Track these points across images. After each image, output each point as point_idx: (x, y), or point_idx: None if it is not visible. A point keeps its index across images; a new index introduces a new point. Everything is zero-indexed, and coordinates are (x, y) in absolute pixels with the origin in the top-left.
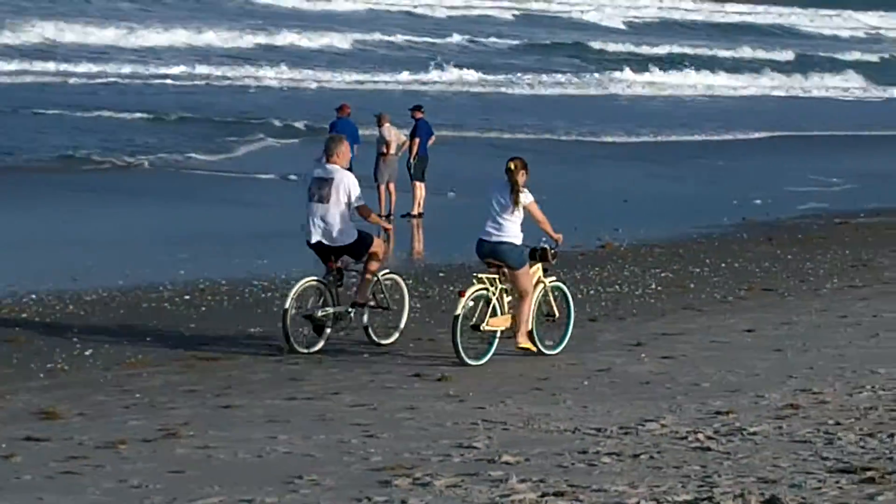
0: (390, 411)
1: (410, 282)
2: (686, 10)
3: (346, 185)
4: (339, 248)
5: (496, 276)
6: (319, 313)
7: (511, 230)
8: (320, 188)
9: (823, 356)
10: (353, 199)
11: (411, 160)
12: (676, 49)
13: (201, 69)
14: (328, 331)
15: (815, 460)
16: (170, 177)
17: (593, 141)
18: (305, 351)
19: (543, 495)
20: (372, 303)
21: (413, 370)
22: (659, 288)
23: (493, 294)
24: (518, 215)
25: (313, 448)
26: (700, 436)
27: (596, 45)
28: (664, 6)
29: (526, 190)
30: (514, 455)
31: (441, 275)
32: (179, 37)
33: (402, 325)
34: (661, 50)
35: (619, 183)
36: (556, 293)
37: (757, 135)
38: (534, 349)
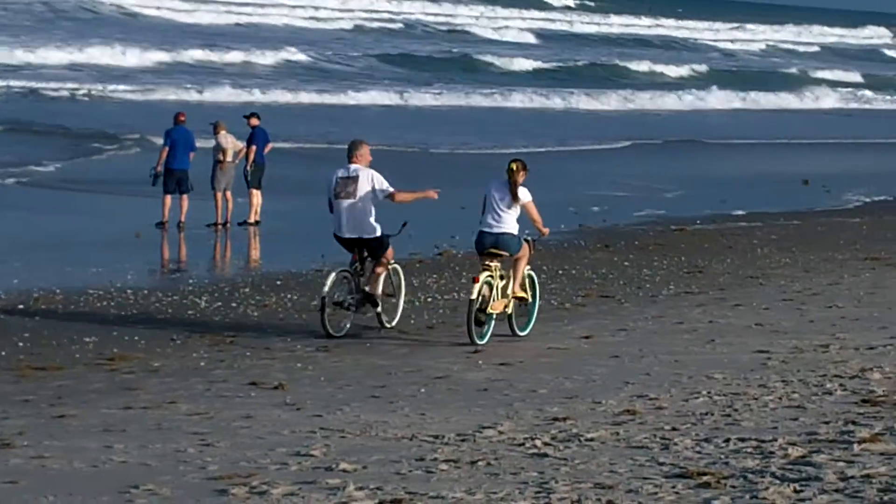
0: (227, 420)
1: (247, 290)
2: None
3: (373, 179)
4: (365, 242)
5: (497, 265)
6: (348, 300)
7: (510, 222)
8: (347, 186)
9: (660, 362)
10: (384, 187)
11: (248, 168)
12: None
13: (41, 83)
14: (352, 316)
15: (652, 465)
16: (2, 186)
17: (431, 151)
18: (337, 335)
19: (381, 502)
20: (387, 291)
21: (249, 378)
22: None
23: (495, 280)
24: (516, 210)
25: (149, 457)
26: (537, 442)
27: (486, 58)
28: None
29: (525, 189)
30: (352, 463)
31: (278, 283)
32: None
33: (400, 306)
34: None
35: (457, 190)
36: (528, 280)
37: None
38: (527, 297)
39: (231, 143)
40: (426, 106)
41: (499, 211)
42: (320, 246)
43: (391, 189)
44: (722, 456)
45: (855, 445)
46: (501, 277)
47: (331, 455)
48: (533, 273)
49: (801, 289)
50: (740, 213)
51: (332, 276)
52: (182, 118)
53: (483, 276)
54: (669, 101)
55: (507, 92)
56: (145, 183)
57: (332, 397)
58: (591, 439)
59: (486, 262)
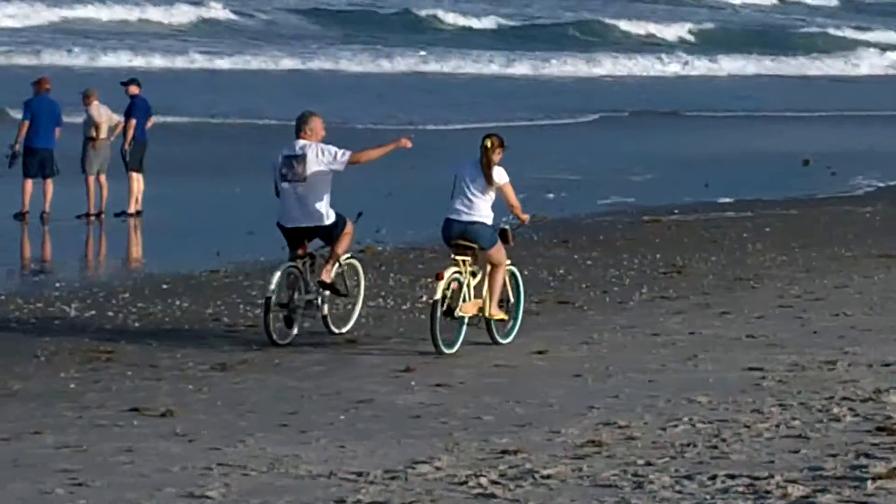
0: (103, 454)
1: (127, 295)
2: None
3: (322, 153)
4: (315, 232)
5: (466, 259)
6: (296, 301)
7: (482, 209)
8: (292, 166)
9: (631, 382)
10: (339, 157)
11: (126, 146)
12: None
13: None
14: (300, 320)
15: None
16: None
17: (357, 127)
18: (282, 342)
19: None
20: (341, 290)
21: (130, 403)
22: (431, 300)
23: (464, 278)
24: (490, 195)
25: (9, 501)
26: (483, 480)
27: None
28: None
29: (501, 169)
30: None
31: (165, 287)
32: None
33: (356, 312)
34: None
35: (383, 175)
36: (510, 277)
37: (577, 118)
38: (506, 318)
39: (105, 117)
40: (354, 72)
41: (470, 195)
42: (216, 241)
43: (348, 153)
44: (707, 496)
45: (868, 483)
46: (473, 274)
47: (231, 496)
48: (515, 268)
49: (801, 293)
50: (727, 200)
51: (278, 273)
52: (46, 86)
53: (449, 273)
54: (652, 66)
55: (454, 55)
56: (0, 165)
57: (232, 426)
58: (548, 476)
59: (455, 256)
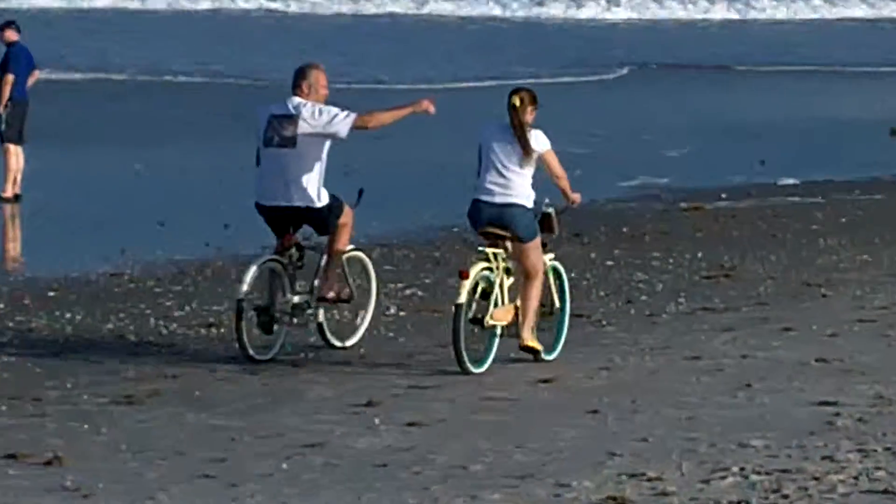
0: None
1: (2, 306)
2: None
3: (320, 115)
4: (303, 214)
5: (499, 252)
6: (278, 305)
7: (520, 188)
8: (281, 128)
9: (664, 421)
10: (344, 120)
11: (1, 109)
12: None
13: None
14: (285, 328)
15: None
16: None
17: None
18: (262, 358)
19: None
20: (343, 295)
21: (5, 448)
22: (402, 313)
23: (496, 276)
24: (529, 168)
25: None
26: None
27: None
28: None
29: (540, 133)
30: None
31: (52, 294)
32: None
33: (366, 320)
34: None
35: (339, 147)
36: (553, 275)
37: (602, 76)
38: (540, 349)
39: None
40: (294, 13)
41: (502, 170)
42: (118, 234)
43: (353, 115)
44: None
45: None
46: (508, 271)
47: None
48: (558, 263)
49: (887, 303)
50: (790, 182)
51: (253, 269)
52: None
53: (477, 269)
54: (697, 10)
55: None
56: None
57: (139, 477)
58: None
59: (485, 248)
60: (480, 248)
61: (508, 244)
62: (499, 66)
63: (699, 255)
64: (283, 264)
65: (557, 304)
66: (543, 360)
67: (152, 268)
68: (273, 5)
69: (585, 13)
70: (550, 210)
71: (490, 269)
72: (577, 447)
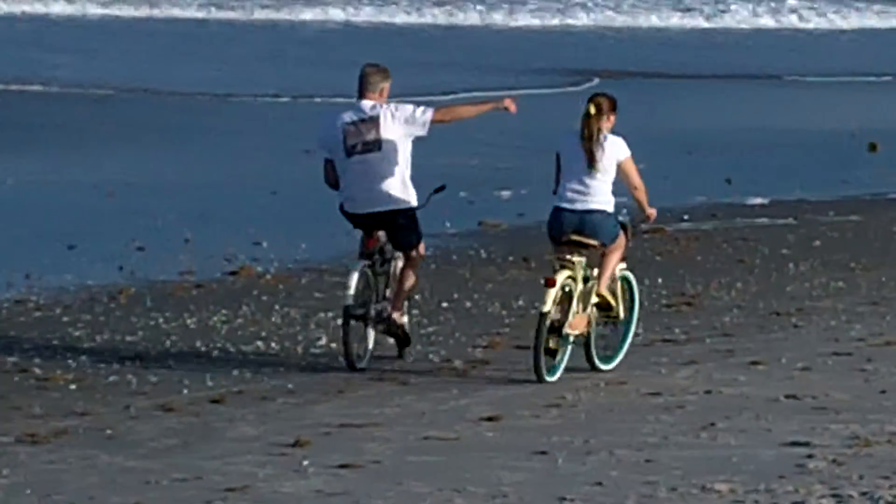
0: None
1: None
2: None
3: (396, 114)
4: (392, 218)
5: (581, 260)
6: (373, 311)
7: (601, 194)
8: (362, 133)
9: (620, 463)
10: (417, 117)
11: None
12: None
13: None
14: (373, 334)
15: None
16: None
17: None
18: (363, 367)
19: None
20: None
21: None
22: (334, 344)
23: (576, 285)
24: (610, 174)
25: None
26: None
27: None
28: None
29: (619, 140)
30: None
31: None
32: None
33: (371, 342)
34: None
35: (266, 163)
36: (624, 285)
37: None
38: (613, 302)
39: None
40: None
41: (583, 176)
42: (24, 258)
43: (430, 110)
44: None
45: None
46: (586, 280)
47: None
48: (630, 274)
49: (864, 335)
50: (759, 201)
51: (355, 275)
52: None
53: (562, 277)
54: (666, 18)
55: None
56: None
57: None
58: None
59: (566, 257)
60: (563, 256)
61: (588, 253)
62: (446, 74)
63: (659, 281)
64: (374, 270)
65: (622, 315)
66: (599, 370)
67: (61, 294)
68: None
69: (554, 21)
70: (626, 220)
71: (573, 277)
72: (524, 492)
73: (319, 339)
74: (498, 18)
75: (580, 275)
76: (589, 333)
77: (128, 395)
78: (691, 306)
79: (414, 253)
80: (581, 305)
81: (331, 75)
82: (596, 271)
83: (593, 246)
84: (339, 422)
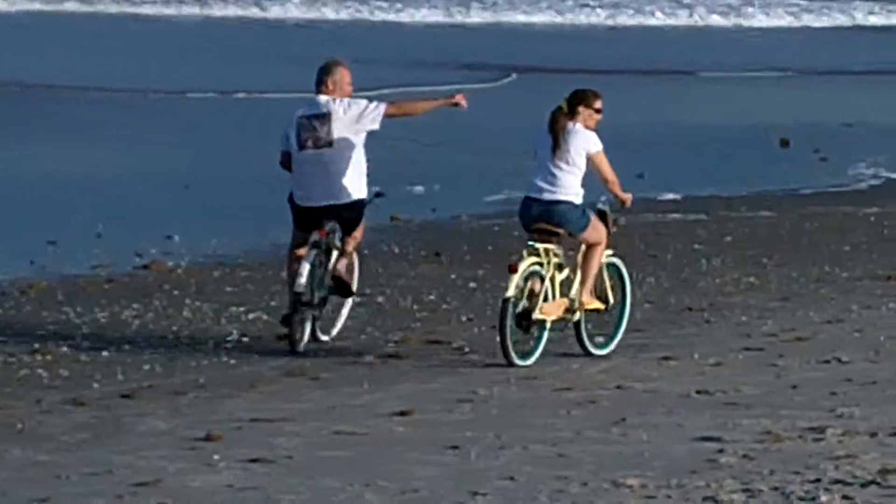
0: None
1: None
2: None
3: (350, 109)
4: (342, 211)
5: (550, 248)
6: (318, 296)
7: (569, 186)
8: (314, 128)
9: (533, 458)
10: (369, 111)
11: None
12: None
13: None
14: (316, 322)
15: None
16: None
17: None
18: (302, 351)
19: None
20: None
21: None
22: (244, 339)
23: (547, 271)
24: (579, 168)
25: None
26: None
27: None
28: None
29: (591, 134)
30: None
31: None
32: None
33: (345, 312)
34: None
35: (177, 158)
36: (611, 271)
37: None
38: (602, 308)
39: None
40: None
41: (552, 168)
42: None
43: (383, 105)
44: None
45: None
46: (560, 267)
47: None
48: (619, 260)
49: (776, 330)
50: (671, 196)
51: (307, 264)
52: None
53: (525, 264)
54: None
55: None
56: None
57: None
58: None
59: (535, 244)
60: (531, 244)
61: (558, 241)
62: (382, 73)
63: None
64: (320, 260)
65: (612, 300)
66: (593, 355)
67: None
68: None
69: (475, 18)
70: (606, 208)
71: (540, 263)
72: (436, 486)
73: (231, 333)
74: (408, 15)
75: (552, 262)
76: (578, 320)
77: (39, 390)
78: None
79: (356, 233)
80: (555, 291)
81: (241, 71)
82: (579, 268)
83: (558, 234)
84: (250, 416)
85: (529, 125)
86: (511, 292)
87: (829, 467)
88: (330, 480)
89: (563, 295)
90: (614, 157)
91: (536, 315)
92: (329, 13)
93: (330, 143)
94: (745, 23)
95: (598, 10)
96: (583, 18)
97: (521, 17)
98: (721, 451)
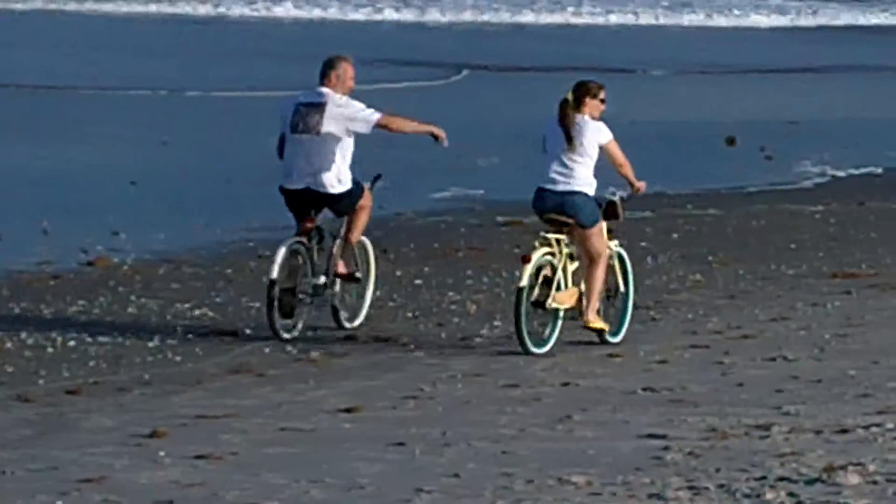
0: None
1: None
2: None
3: (345, 107)
4: (325, 199)
5: (561, 238)
6: (301, 286)
7: (582, 176)
8: (307, 116)
9: (477, 454)
10: (366, 116)
11: None
12: None
13: None
14: (306, 308)
15: None
16: None
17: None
18: (288, 336)
19: None
20: (358, 273)
21: None
22: (191, 335)
23: (559, 261)
24: (590, 157)
25: None
26: None
27: None
28: None
29: (600, 124)
30: None
31: None
32: None
33: (367, 302)
34: None
35: (124, 154)
36: (617, 261)
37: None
38: (606, 329)
39: None
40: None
41: (564, 159)
42: None
43: (378, 114)
44: None
45: None
46: (571, 257)
47: None
48: (623, 250)
49: (721, 327)
50: (618, 194)
51: (282, 250)
52: None
53: (538, 255)
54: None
55: None
56: None
57: None
58: None
59: (547, 234)
60: (543, 234)
61: (570, 231)
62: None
63: (517, 273)
64: (306, 246)
65: (622, 288)
66: (608, 342)
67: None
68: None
69: (429, 17)
70: (616, 198)
71: (553, 253)
72: (381, 483)
73: (176, 330)
74: (362, 14)
75: (564, 251)
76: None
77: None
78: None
79: (357, 207)
80: (568, 280)
81: (189, 68)
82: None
83: (570, 224)
84: (195, 413)
85: (480, 122)
86: (524, 282)
87: (774, 465)
88: (275, 477)
89: (575, 284)
90: None
91: (550, 304)
92: (279, 11)
93: (318, 133)
94: (692, 22)
95: (551, 9)
96: (534, 17)
97: (469, 16)
98: (667, 448)
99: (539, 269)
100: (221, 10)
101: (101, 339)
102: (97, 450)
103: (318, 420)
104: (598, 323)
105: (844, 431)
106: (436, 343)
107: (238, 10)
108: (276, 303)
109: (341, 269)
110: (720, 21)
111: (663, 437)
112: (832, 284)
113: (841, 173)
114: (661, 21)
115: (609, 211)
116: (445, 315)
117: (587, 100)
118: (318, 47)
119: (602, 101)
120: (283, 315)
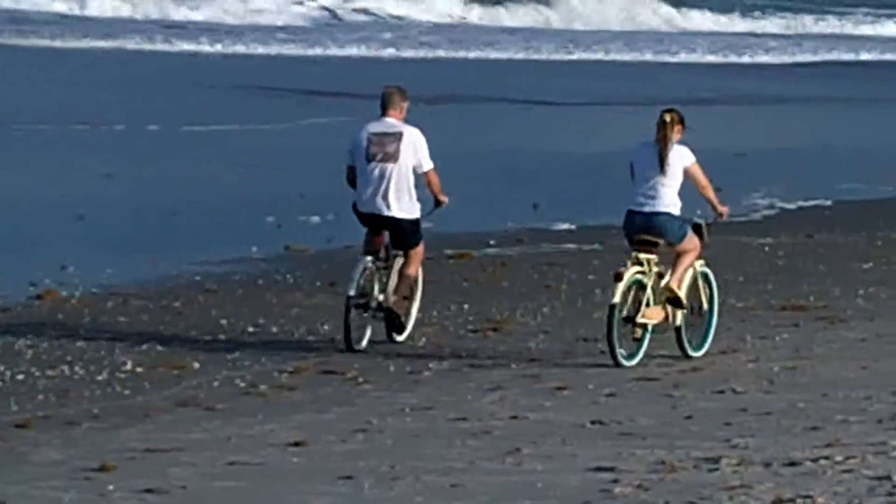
0: None
1: None
2: None
3: (418, 142)
4: (395, 223)
5: (651, 258)
6: (374, 301)
7: (667, 197)
8: (385, 144)
9: (426, 488)
10: (422, 161)
11: None
12: None
13: None
14: (372, 324)
15: None
16: None
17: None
18: (360, 349)
19: None
20: (400, 313)
21: None
22: (139, 369)
23: (649, 279)
24: (676, 181)
25: None
26: None
27: None
28: None
29: (685, 148)
30: None
31: None
32: None
33: (413, 318)
34: None
35: (70, 187)
36: (704, 280)
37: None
38: (683, 298)
39: None
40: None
41: (652, 182)
42: None
43: (431, 166)
44: None
45: None
46: (660, 276)
47: None
48: (709, 271)
49: (671, 361)
50: (566, 227)
51: (360, 266)
52: None
53: (630, 273)
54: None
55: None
56: None
57: None
58: None
59: (638, 254)
60: (634, 254)
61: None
62: (267, 108)
63: (465, 306)
64: (377, 265)
65: (706, 306)
66: (690, 357)
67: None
68: None
69: (370, 51)
70: (701, 221)
71: (643, 272)
72: None
73: (125, 363)
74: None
75: (653, 271)
76: (679, 325)
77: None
78: (497, 332)
79: (412, 252)
80: (655, 297)
81: (123, 102)
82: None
83: (659, 244)
84: (144, 446)
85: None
86: (617, 299)
87: (723, 497)
88: None
89: (658, 301)
90: (510, 188)
91: (640, 319)
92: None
93: (396, 159)
94: (638, 58)
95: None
96: (466, 53)
97: (391, 51)
98: (615, 481)
99: (630, 286)
100: (163, 46)
101: (50, 372)
102: (45, 483)
103: (266, 454)
104: (679, 292)
105: (793, 464)
106: (384, 376)
107: (180, 46)
108: (351, 318)
109: (397, 303)
110: (664, 58)
111: (612, 469)
112: (781, 317)
113: (790, 206)
114: (603, 57)
115: (697, 232)
116: (392, 348)
117: (679, 125)
118: (258, 80)
119: (684, 127)
120: (356, 328)
